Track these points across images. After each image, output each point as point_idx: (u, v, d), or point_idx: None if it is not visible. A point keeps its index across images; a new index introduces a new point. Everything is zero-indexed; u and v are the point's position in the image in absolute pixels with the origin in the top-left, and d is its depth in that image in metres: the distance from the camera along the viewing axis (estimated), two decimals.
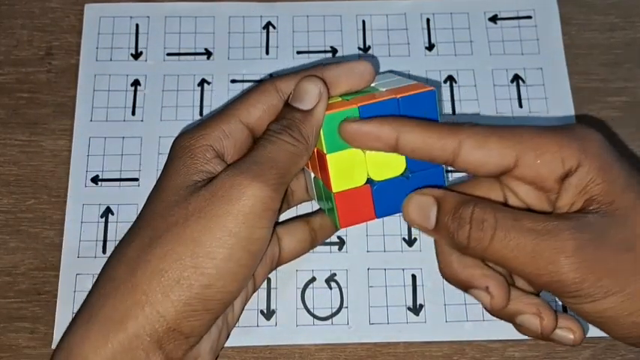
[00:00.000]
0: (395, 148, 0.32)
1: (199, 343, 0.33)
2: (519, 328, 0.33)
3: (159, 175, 0.35)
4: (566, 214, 0.31)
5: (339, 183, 0.34)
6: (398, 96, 0.33)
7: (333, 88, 0.35)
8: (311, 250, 0.41)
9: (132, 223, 0.34)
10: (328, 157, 0.34)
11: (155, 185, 0.35)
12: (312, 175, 0.37)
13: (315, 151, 0.35)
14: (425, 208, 0.32)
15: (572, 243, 0.29)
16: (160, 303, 0.30)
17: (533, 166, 0.31)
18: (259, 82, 0.36)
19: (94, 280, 0.33)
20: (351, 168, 0.34)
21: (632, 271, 0.29)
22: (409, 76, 0.40)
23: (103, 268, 0.33)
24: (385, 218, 0.43)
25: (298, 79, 0.34)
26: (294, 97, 0.34)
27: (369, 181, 0.35)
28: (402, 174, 0.35)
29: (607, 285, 0.29)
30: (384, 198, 0.35)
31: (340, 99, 0.35)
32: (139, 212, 0.34)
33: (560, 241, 0.29)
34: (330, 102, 0.35)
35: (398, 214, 0.35)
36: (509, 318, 0.33)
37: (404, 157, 0.34)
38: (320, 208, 0.41)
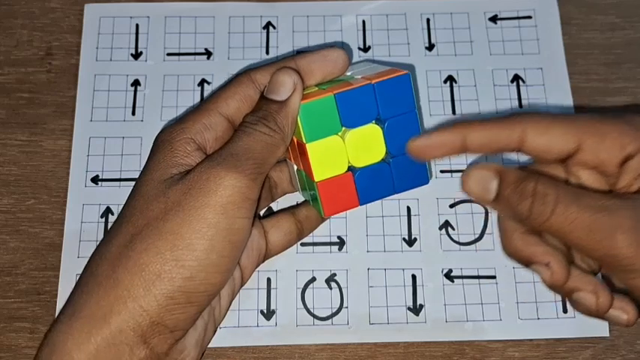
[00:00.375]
0: (463, 151, 0.34)
1: (185, 337, 0.34)
2: (575, 304, 0.34)
3: (142, 171, 0.35)
4: (624, 194, 0.33)
5: (320, 172, 0.35)
6: (373, 81, 0.34)
7: (307, 77, 0.36)
8: (298, 242, 0.41)
9: (114, 219, 0.34)
10: (308, 146, 0.34)
11: (136, 180, 0.35)
12: (295, 167, 0.38)
13: (295, 141, 0.36)
14: (486, 180, 0.32)
15: (629, 221, 0.30)
16: (142, 297, 0.31)
17: (594, 151, 0.32)
18: (236, 75, 0.37)
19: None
20: (332, 156, 0.35)
21: None
22: (387, 64, 0.40)
23: (86, 266, 0.33)
24: (386, 218, 0.43)
25: (273, 70, 0.35)
26: (269, 89, 0.35)
27: (351, 168, 0.35)
28: (382, 159, 0.36)
29: None
30: (366, 184, 0.36)
31: (316, 88, 0.36)
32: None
33: (617, 218, 0.30)
34: (306, 92, 0.35)
35: (380, 200, 0.36)
36: (567, 294, 0.34)
37: (383, 142, 0.35)
38: (305, 200, 0.41)
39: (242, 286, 0.39)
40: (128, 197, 0.35)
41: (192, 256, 0.31)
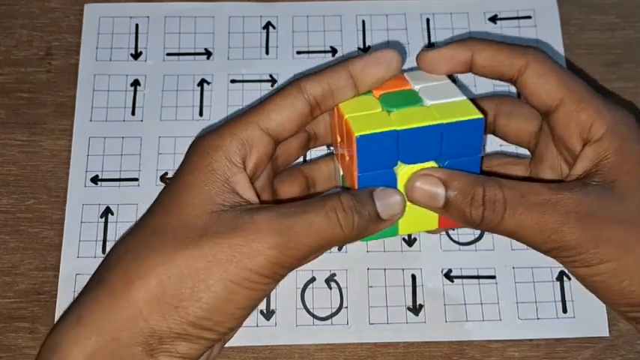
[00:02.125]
0: (469, 68, 0.35)
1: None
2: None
3: (175, 178, 0.33)
4: (570, 182, 0.33)
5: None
6: (444, 122, 0.32)
7: (360, 82, 0.34)
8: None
9: (139, 220, 0.33)
10: (361, 176, 0.33)
11: (169, 190, 0.33)
12: (341, 172, 0.37)
13: (346, 152, 0.34)
14: (431, 188, 0.32)
15: (575, 215, 0.31)
16: (155, 322, 0.30)
17: (568, 116, 0.33)
18: (284, 86, 0.34)
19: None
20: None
21: (626, 244, 0.31)
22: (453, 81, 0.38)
23: (101, 266, 0.33)
24: None
25: (326, 79, 0.33)
26: (381, 196, 0.32)
27: None
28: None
29: (602, 253, 0.31)
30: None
31: (380, 107, 0.33)
32: (143, 211, 0.34)
33: (562, 212, 0.31)
34: (363, 104, 0.33)
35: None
36: None
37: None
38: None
39: (254, 309, 0.36)
40: (158, 206, 0.33)
41: (211, 301, 0.30)
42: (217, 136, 0.33)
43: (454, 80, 0.39)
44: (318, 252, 0.32)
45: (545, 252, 0.32)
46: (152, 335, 0.30)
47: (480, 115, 0.32)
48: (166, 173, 0.44)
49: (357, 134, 0.31)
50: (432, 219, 0.34)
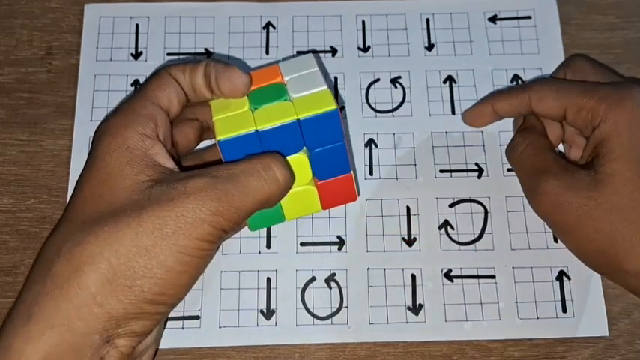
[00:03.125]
0: (498, 117, 0.43)
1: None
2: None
3: (90, 166, 0.34)
4: (568, 163, 0.39)
5: None
6: (300, 117, 0.34)
7: (213, 86, 0.35)
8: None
9: (62, 217, 0.33)
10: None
11: (89, 180, 0.33)
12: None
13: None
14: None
15: (549, 187, 0.37)
16: (110, 305, 0.30)
17: (574, 120, 0.39)
18: (155, 72, 0.37)
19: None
20: None
21: (588, 217, 0.36)
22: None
23: (36, 265, 0.32)
24: (385, 218, 0.43)
25: (187, 72, 0.36)
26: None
27: None
28: (307, 183, 0.36)
29: (571, 224, 0.37)
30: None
31: (247, 104, 0.35)
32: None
33: (542, 182, 0.37)
34: (230, 110, 0.35)
35: None
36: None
37: (309, 168, 0.35)
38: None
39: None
40: (80, 192, 0.33)
41: (165, 274, 0.31)
42: (122, 115, 0.34)
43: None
44: (255, 211, 0.33)
45: (529, 201, 0.40)
46: (109, 320, 0.30)
47: (334, 106, 0.34)
48: None
49: (218, 138, 0.33)
50: (315, 203, 0.37)
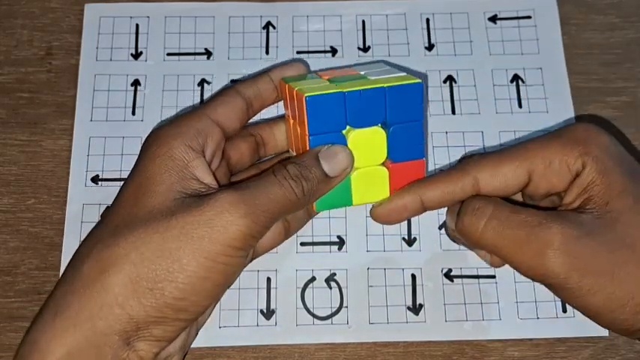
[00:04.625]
0: (425, 210, 0.36)
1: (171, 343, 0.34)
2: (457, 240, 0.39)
3: (135, 169, 0.35)
4: (564, 211, 0.33)
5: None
6: (385, 85, 0.35)
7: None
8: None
9: (104, 215, 0.34)
10: (312, 138, 0.35)
11: (131, 182, 0.34)
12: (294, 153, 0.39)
13: (298, 128, 0.36)
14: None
15: (560, 237, 0.31)
16: (131, 307, 0.31)
17: (545, 177, 0.34)
18: (222, 89, 0.39)
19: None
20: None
21: (611, 273, 0.31)
22: (400, 68, 0.41)
23: (71, 262, 0.33)
24: None
25: (254, 82, 0.38)
26: (326, 155, 0.34)
27: None
28: (382, 163, 0.36)
29: (590, 284, 0.31)
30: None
31: (328, 82, 0.36)
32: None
33: (549, 235, 0.31)
34: (315, 84, 0.36)
35: None
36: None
37: (385, 146, 0.36)
38: None
39: (229, 287, 0.39)
40: (122, 197, 0.34)
41: (187, 280, 0.31)
42: (174, 125, 0.35)
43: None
44: (280, 217, 0.34)
45: (534, 278, 0.32)
46: (129, 322, 0.31)
47: (419, 80, 0.35)
48: None
49: (306, 95, 0.34)
50: (384, 187, 0.37)
